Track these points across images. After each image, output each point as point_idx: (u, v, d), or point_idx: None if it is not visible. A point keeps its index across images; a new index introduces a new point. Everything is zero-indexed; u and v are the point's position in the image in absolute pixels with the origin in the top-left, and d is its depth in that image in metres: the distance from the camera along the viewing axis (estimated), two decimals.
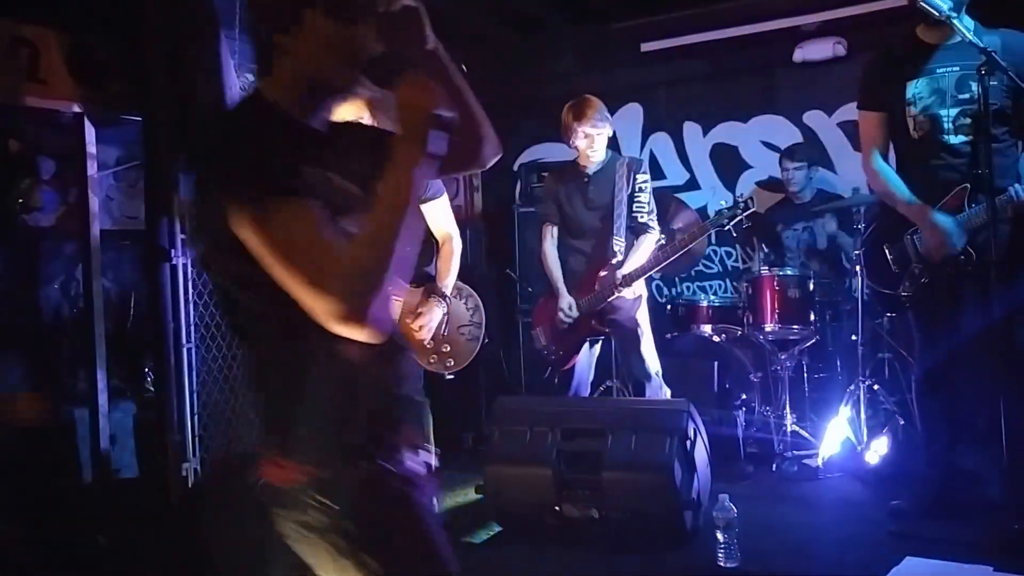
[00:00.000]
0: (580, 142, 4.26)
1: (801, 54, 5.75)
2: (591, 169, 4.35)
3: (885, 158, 3.53)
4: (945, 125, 3.29)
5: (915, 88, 3.34)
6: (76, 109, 3.86)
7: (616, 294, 4.21)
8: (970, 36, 2.98)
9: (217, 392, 4.52)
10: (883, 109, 3.47)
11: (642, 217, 4.31)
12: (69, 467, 4.08)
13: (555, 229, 4.48)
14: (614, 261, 4.26)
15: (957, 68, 3.24)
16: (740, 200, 4.17)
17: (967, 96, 3.21)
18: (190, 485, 4.20)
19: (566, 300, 4.31)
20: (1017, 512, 3.11)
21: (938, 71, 3.31)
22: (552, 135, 6.65)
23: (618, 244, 4.27)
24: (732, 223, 4.21)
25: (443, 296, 3.66)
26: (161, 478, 4.09)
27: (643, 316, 4.34)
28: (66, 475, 4.08)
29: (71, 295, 4.72)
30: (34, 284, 4.72)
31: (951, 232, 3.23)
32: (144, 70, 3.89)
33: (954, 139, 3.29)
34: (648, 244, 4.31)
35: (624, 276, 4.19)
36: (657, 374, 4.32)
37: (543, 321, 4.48)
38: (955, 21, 3.01)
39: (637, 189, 4.31)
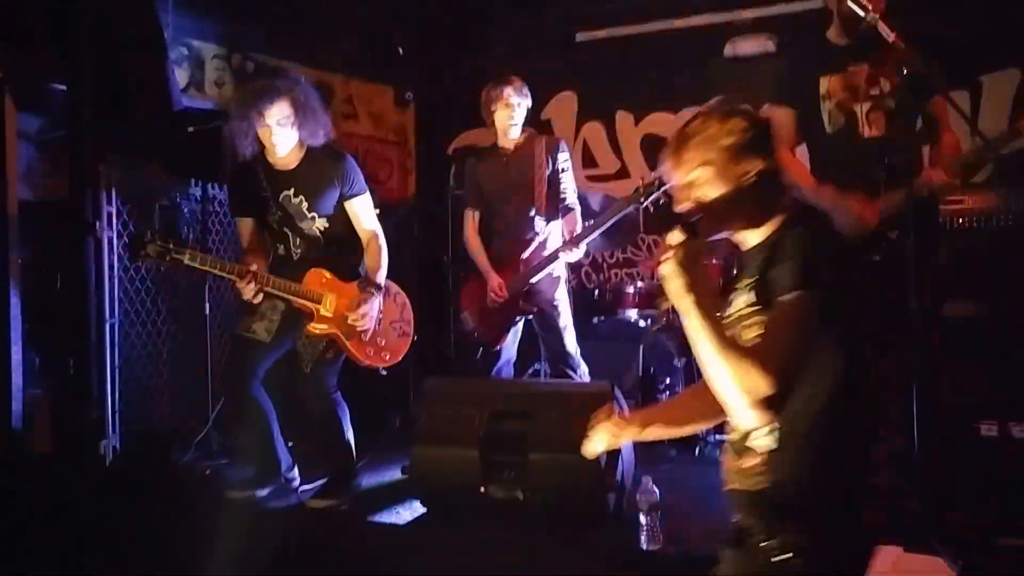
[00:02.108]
0: (500, 112, 4.27)
1: (732, 49, 5.85)
2: (511, 146, 4.38)
3: (794, 152, 3.65)
4: (858, 119, 3.40)
5: (828, 85, 3.45)
6: None
7: (558, 258, 4.23)
8: (890, 38, 3.07)
9: (140, 368, 4.44)
10: (797, 104, 3.56)
11: (568, 198, 4.36)
12: None
13: (476, 214, 4.49)
14: (536, 240, 4.29)
15: (867, 64, 3.36)
16: (657, 178, 4.10)
17: (876, 92, 3.34)
18: (107, 463, 4.13)
19: (495, 280, 4.32)
20: (922, 496, 3.26)
21: (850, 68, 3.42)
22: (485, 120, 6.68)
23: (539, 223, 4.30)
24: (649, 199, 4.11)
25: (378, 287, 3.83)
26: (78, 456, 4.01)
27: (562, 295, 4.40)
28: None
29: None
30: None
31: (868, 208, 3.32)
32: (71, 38, 3.78)
33: (867, 132, 3.40)
34: (575, 219, 4.37)
35: (571, 241, 4.21)
36: (576, 353, 4.39)
37: (471, 304, 4.48)
38: (879, 24, 3.08)
39: (560, 170, 4.36)
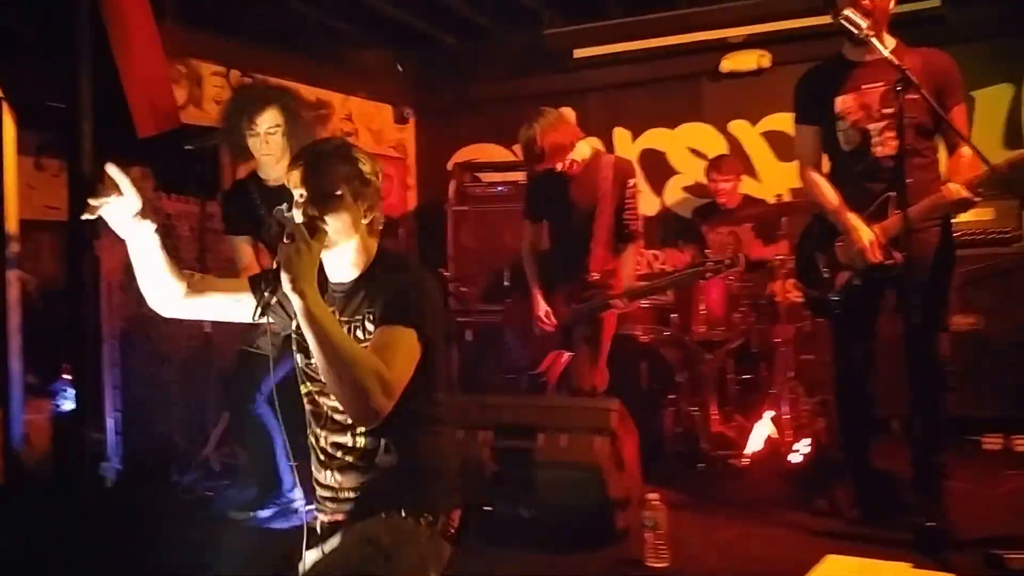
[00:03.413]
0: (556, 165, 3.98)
1: (727, 65, 5.88)
2: (574, 168, 4.06)
3: (819, 169, 3.63)
4: (873, 138, 3.39)
5: (844, 104, 3.44)
6: None
7: (611, 309, 4.04)
8: (886, 53, 3.10)
9: (141, 389, 4.40)
10: (816, 122, 3.56)
11: (633, 225, 4.12)
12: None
13: (535, 228, 4.28)
14: (595, 275, 4.07)
15: (881, 83, 3.34)
16: (730, 258, 3.96)
17: (891, 111, 3.29)
18: (108, 485, 4.08)
19: (542, 308, 4.14)
20: (928, 510, 3.24)
21: (863, 87, 3.41)
22: (485, 136, 6.71)
23: (598, 251, 4.07)
24: (718, 275, 4.08)
25: None
26: (77, 478, 3.96)
27: (608, 335, 4.18)
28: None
29: None
30: None
31: (869, 240, 3.33)
32: (70, 56, 3.77)
33: (879, 151, 3.38)
34: (633, 255, 4.17)
35: (626, 294, 4.02)
36: (594, 392, 4.13)
37: (514, 322, 4.36)
38: (873, 39, 3.13)
39: (628, 195, 4.09)
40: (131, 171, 1.98)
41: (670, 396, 4.93)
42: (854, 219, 3.38)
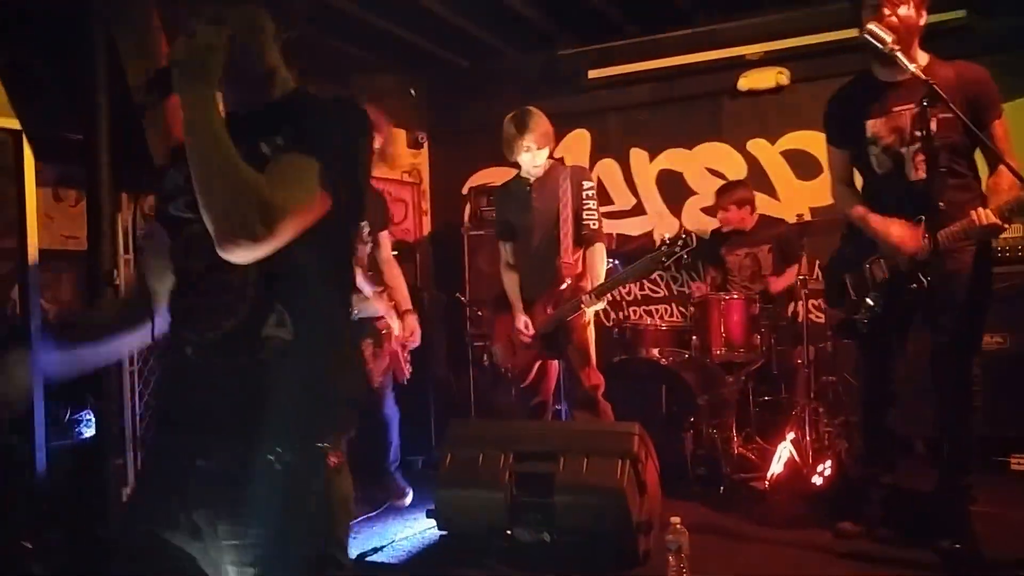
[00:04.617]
0: (523, 156, 4.24)
1: (745, 83, 5.87)
2: (532, 176, 4.32)
3: (850, 183, 3.59)
4: (906, 162, 3.31)
5: (876, 128, 3.36)
6: (14, 126, 3.77)
7: (581, 309, 4.14)
8: (911, 68, 2.94)
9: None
10: (848, 146, 3.51)
11: (593, 224, 4.25)
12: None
13: (508, 246, 4.44)
14: (565, 282, 4.20)
15: (912, 105, 3.20)
16: (681, 237, 4.02)
17: (923, 132, 3.13)
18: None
19: (521, 319, 4.29)
20: (954, 532, 3.21)
21: (895, 109, 3.32)
22: (500, 159, 6.71)
23: (567, 256, 4.21)
24: (671, 260, 4.06)
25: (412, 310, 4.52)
26: (99, 504, 3.96)
27: (590, 335, 4.31)
28: None
29: (6, 315, 4.58)
30: None
31: (900, 233, 3.26)
32: (86, 88, 3.80)
33: (914, 175, 3.29)
34: (600, 255, 4.25)
35: (592, 292, 4.12)
36: (598, 394, 4.26)
37: (501, 338, 4.45)
38: (898, 55, 2.97)
39: (584, 196, 4.26)
40: (147, 199, 1.96)
41: (691, 419, 4.89)
42: (880, 219, 3.32)
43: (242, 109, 1.71)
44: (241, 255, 1.46)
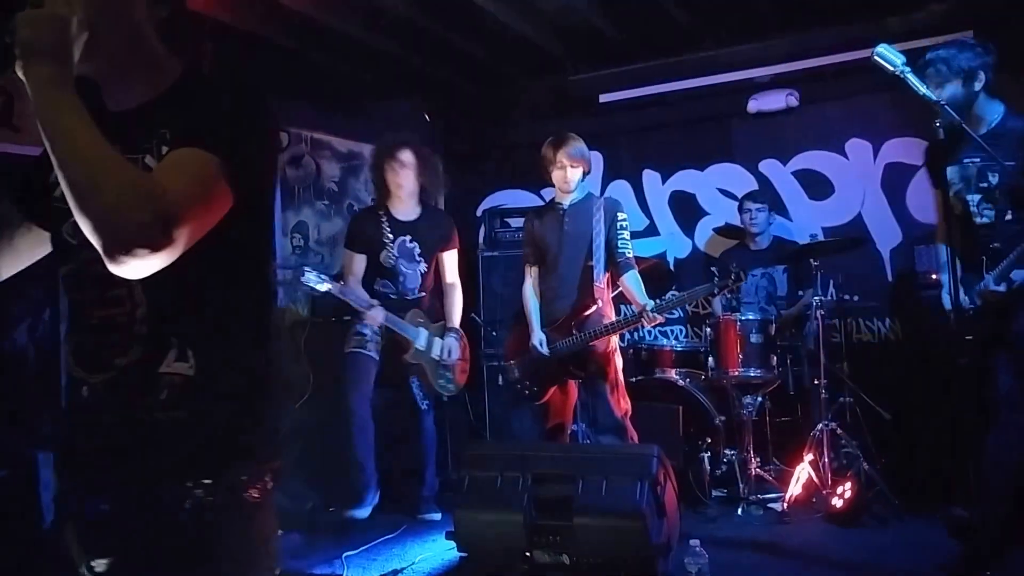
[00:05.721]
0: (556, 172, 4.33)
1: (755, 105, 5.90)
2: (566, 203, 4.41)
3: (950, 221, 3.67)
4: (972, 208, 3.46)
5: (951, 174, 3.52)
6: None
7: (608, 333, 4.25)
8: (923, 90, 2.99)
9: None
10: (939, 187, 3.66)
11: (628, 253, 4.35)
12: (29, 512, 3.96)
13: (535, 270, 4.52)
14: (594, 306, 4.27)
15: (979, 159, 3.40)
16: (733, 275, 4.16)
17: (986, 185, 3.40)
18: None
19: (537, 336, 4.33)
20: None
21: (965, 160, 3.47)
22: (513, 182, 6.76)
23: (598, 281, 4.28)
24: (722, 291, 4.29)
25: (459, 331, 4.95)
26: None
27: (618, 360, 4.35)
28: (25, 520, 3.96)
29: (37, 337, 4.60)
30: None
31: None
32: None
33: (978, 220, 3.45)
34: (638, 279, 4.31)
35: (653, 309, 4.15)
36: (624, 420, 4.28)
37: (517, 354, 4.48)
38: (910, 77, 2.98)
39: (619, 227, 4.36)
40: None
41: (708, 439, 4.89)
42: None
43: (122, 107, 1.48)
44: (137, 265, 1.23)
